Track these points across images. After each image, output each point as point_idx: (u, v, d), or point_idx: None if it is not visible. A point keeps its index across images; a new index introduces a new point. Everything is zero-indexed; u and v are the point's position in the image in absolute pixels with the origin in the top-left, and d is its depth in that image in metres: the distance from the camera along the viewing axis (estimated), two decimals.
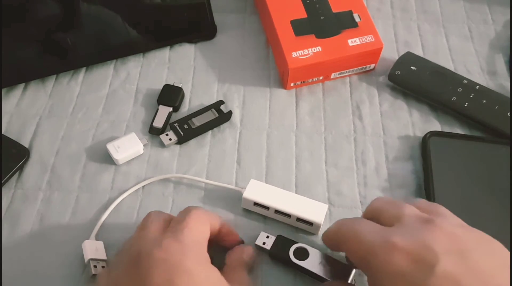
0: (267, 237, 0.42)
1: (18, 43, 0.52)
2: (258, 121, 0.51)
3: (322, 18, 0.53)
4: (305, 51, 0.51)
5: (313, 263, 0.40)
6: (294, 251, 0.40)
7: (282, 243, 0.41)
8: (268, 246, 0.41)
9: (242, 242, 0.42)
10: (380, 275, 0.31)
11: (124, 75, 0.55)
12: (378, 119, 0.51)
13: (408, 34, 0.58)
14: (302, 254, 0.40)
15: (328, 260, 0.40)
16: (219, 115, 0.50)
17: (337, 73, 0.53)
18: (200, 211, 0.38)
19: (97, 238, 0.43)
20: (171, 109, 0.51)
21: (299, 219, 0.43)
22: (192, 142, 0.50)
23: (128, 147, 0.48)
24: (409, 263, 0.30)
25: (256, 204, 0.44)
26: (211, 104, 0.51)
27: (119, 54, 0.55)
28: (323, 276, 0.39)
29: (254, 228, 0.44)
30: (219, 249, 0.41)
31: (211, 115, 0.51)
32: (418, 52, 0.57)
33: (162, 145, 0.49)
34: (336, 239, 0.37)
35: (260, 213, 0.45)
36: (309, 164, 0.48)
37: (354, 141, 0.50)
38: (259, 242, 0.42)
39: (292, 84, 0.53)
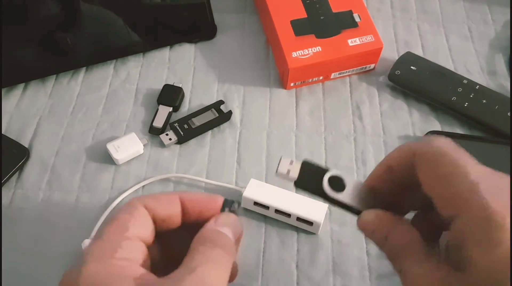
0: (291, 163, 0.33)
1: (18, 43, 0.52)
2: (258, 121, 0.51)
3: (322, 18, 0.53)
4: (305, 51, 0.51)
5: (350, 194, 0.32)
6: (329, 181, 0.32)
7: (311, 171, 0.33)
8: (294, 174, 0.33)
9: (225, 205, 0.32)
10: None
11: (124, 75, 0.55)
12: (378, 119, 0.51)
13: (408, 34, 0.58)
14: (337, 184, 0.32)
15: (367, 191, 0.32)
16: (219, 115, 0.50)
17: (337, 73, 0.53)
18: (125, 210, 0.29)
19: None
20: (171, 109, 0.51)
21: (299, 219, 0.43)
22: (192, 142, 0.50)
23: (128, 147, 0.48)
24: None
25: (256, 203, 0.44)
26: (211, 104, 0.51)
27: (119, 54, 0.55)
28: (362, 210, 0.32)
29: (254, 228, 0.44)
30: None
31: (211, 115, 0.51)
32: (418, 52, 0.57)
33: (162, 145, 0.49)
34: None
35: (260, 213, 0.45)
36: None
37: (354, 141, 0.50)
38: (282, 169, 0.33)
39: (292, 84, 0.53)
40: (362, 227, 0.30)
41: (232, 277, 0.31)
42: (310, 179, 0.32)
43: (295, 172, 0.33)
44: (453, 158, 0.26)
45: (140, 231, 0.28)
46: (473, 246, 0.23)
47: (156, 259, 0.30)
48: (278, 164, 0.33)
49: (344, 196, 0.32)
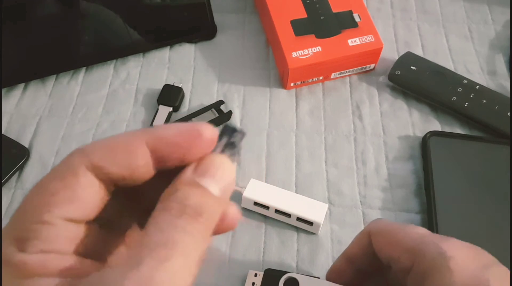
0: (255, 275, 0.40)
1: (18, 43, 0.52)
2: (258, 121, 0.51)
3: (322, 18, 0.53)
4: (305, 51, 0.51)
5: None
6: (285, 283, 0.36)
7: (271, 278, 0.39)
8: (258, 283, 0.40)
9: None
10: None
11: (124, 75, 0.55)
12: (378, 119, 0.51)
13: (408, 34, 0.58)
14: (292, 284, 0.36)
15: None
16: (219, 115, 0.50)
17: (337, 73, 0.53)
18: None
19: None
20: (171, 109, 0.51)
21: (299, 219, 0.43)
22: None
23: None
24: None
25: (256, 203, 0.44)
26: (211, 104, 0.51)
27: (119, 54, 0.55)
28: None
29: (254, 228, 0.44)
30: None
31: (211, 115, 0.51)
32: (418, 52, 0.57)
33: None
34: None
35: (260, 213, 0.45)
36: (309, 164, 0.48)
37: (354, 141, 0.50)
38: (248, 285, 0.40)
39: (292, 84, 0.53)
40: None
41: (229, 227, 0.23)
42: (270, 284, 0.39)
43: (259, 284, 0.39)
44: (397, 226, 0.31)
45: (72, 209, 0.20)
46: (433, 277, 0.27)
47: (115, 217, 0.23)
48: (245, 280, 0.39)
49: None
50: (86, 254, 0.21)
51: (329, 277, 0.35)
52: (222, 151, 0.22)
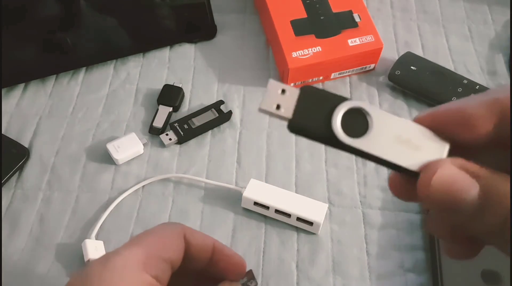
0: (282, 92, 0.22)
1: (18, 43, 0.52)
2: (258, 121, 0.51)
3: (322, 18, 0.53)
4: (305, 51, 0.51)
5: (379, 141, 0.21)
6: (344, 118, 0.21)
7: (314, 103, 0.21)
8: (287, 110, 0.22)
9: (243, 271, 0.31)
10: None
11: (124, 75, 0.55)
12: None
13: (408, 34, 0.58)
14: (357, 122, 0.21)
15: (408, 130, 0.21)
16: (219, 115, 0.50)
17: (337, 73, 0.53)
18: (167, 227, 0.29)
19: (97, 238, 0.43)
20: (171, 109, 0.51)
21: (299, 219, 0.43)
22: (192, 142, 0.50)
23: (128, 147, 0.48)
24: None
25: (256, 203, 0.44)
26: (211, 104, 0.51)
27: (119, 54, 0.55)
28: (401, 165, 0.21)
29: (254, 228, 0.44)
30: None
31: (211, 115, 0.51)
32: (418, 52, 0.57)
33: (162, 145, 0.49)
34: None
35: (260, 213, 0.45)
36: (309, 164, 0.48)
37: None
38: (268, 103, 0.22)
39: (292, 84, 0.53)
40: (440, 187, 0.19)
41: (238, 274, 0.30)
42: (312, 117, 0.21)
43: (288, 107, 0.21)
44: None
45: (173, 256, 0.27)
46: None
47: None
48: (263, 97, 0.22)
49: (368, 143, 0.21)
50: None
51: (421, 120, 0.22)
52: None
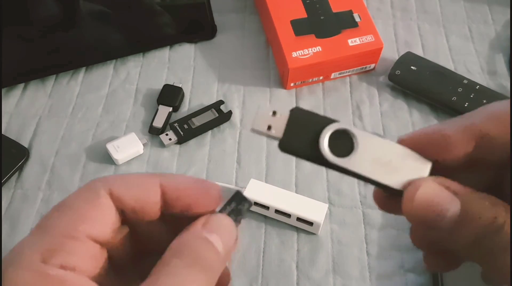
0: (273, 114, 0.23)
1: (18, 43, 0.52)
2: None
3: (322, 18, 0.53)
4: (305, 51, 0.51)
5: (364, 160, 0.22)
6: (330, 138, 0.22)
7: (303, 123, 0.23)
8: (278, 131, 0.23)
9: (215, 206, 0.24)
10: None
11: (124, 75, 0.55)
12: (378, 119, 0.51)
13: (408, 34, 0.58)
14: (343, 142, 0.22)
15: (392, 150, 0.22)
16: (219, 115, 0.50)
17: (337, 73, 0.53)
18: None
19: None
20: (171, 109, 0.51)
21: (299, 219, 0.43)
22: (192, 142, 0.50)
23: (128, 147, 0.48)
24: None
25: (256, 203, 0.44)
26: (211, 104, 0.51)
27: (119, 54, 0.55)
28: (385, 183, 0.22)
29: (254, 228, 0.44)
30: None
31: (211, 115, 0.50)
32: (418, 52, 0.56)
33: (162, 145, 0.49)
34: None
35: (260, 213, 0.45)
36: (309, 164, 0.48)
37: None
38: (258, 123, 0.23)
39: (292, 84, 0.53)
40: (423, 202, 0.21)
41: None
42: (301, 137, 0.22)
43: (279, 128, 0.22)
44: None
45: (95, 228, 0.21)
46: None
47: (121, 255, 0.23)
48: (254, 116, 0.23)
49: (354, 163, 0.22)
50: None
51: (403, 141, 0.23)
52: (229, 214, 0.23)
